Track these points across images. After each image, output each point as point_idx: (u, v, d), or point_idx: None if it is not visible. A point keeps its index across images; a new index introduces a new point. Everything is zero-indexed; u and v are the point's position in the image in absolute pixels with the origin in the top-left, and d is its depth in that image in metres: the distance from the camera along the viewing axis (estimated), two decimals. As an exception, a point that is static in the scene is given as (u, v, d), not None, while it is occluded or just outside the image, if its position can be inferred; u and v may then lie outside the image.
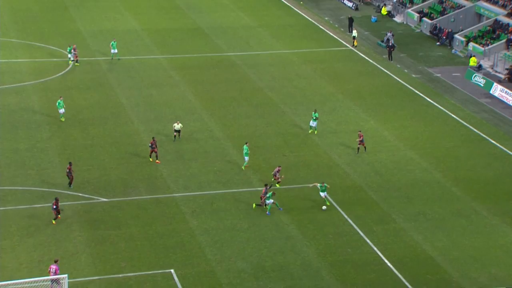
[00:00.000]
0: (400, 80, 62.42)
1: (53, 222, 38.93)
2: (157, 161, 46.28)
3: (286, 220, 40.54)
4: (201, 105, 55.87)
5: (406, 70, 64.81)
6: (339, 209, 41.64)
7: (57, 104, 51.57)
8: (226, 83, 60.37)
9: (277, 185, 43.38)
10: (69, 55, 62.24)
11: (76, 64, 62.11)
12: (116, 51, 63.31)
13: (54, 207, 38.73)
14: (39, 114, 52.93)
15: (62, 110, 51.35)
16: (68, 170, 42.59)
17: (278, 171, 43.73)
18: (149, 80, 60.32)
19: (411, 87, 60.97)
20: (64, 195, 42.00)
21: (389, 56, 67.49)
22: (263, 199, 40.94)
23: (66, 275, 30.93)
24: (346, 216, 41.01)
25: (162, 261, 36.57)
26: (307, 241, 38.58)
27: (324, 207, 41.18)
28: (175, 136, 49.07)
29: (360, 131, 49.19)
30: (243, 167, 45.81)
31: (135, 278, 35.16)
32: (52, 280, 31.42)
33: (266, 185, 41.57)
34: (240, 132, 51.50)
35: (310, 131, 51.38)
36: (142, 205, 41.71)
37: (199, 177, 45.09)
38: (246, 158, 45.82)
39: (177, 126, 49.18)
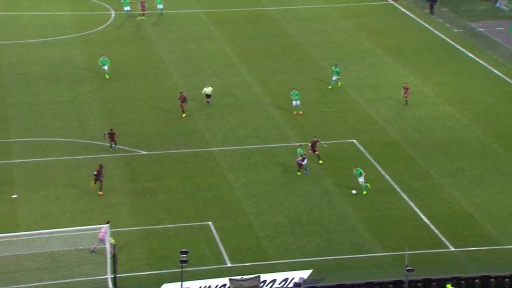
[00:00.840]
0: (441, 35, 61.40)
1: (99, 192, 37.89)
2: (183, 115, 46.45)
3: (323, 175, 40.79)
4: (240, 60, 55.96)
5: (447, 25, 63.66)
6: (376, 165, 41.68)
7: (99, 62, 51.95)
8: (265, 38, 60.22)
9: (320, 161, 41.34)
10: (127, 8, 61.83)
11: (142, 18, 61.90)
12: (162, 6, 63.31)
13: (95, 173, 37.94)
14: (81, 67, 53.67)
15: (106, 67, 51.71)
16: (108, 134, 41.78)
17: (315, 143, 41.30)
18: (188, 35, 60.51)
19: (452, 42, 59.98)
20: (105, 147, 42.89)
21: (430, 10, 66.28)
22: (301, 163, 40.47)
23: (108, 225, 31.84)
24: (383, 172, 41.06)
25: (200, 214, 37.29)
26: (343, 197, 38.84)
27: (353, 191, 38.78)
28: (208, 101, 47.92)
29: (406, 83, 48.93)
30: (300, 112, 46.59)
31: (173, 229, 36.02)
32: (100, 240, 32.45)
33: (304, 156, 40.46)
34: (278, 87, 51.55)
35: (330, 87, 51.12)
36: (181, 158, 42.37)
37: (236, 132, 45.49)
38: (296, 103, 46.62)
39: (208, 90, 48.05)
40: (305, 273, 31.92)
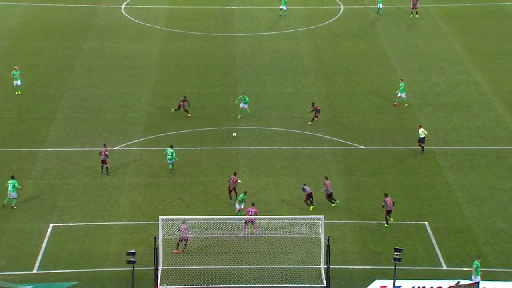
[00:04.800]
0: None
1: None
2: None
3: (554, 183, 38.05)
4: (469, 57, 53.83)
5: None
6: None
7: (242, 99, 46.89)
8: (499, 35, 57.41)
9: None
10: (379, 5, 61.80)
11: (412, 15, 60.98)
12: (381, 5, 62.66)
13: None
14: (307, 60, 55.03)
15: (244, 106, 45.64)
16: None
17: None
18: (416, 30, 59.42)
19: None
20: (324, 139, 43.68)
21: None
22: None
23: (323, 216, 32.46)
24: None
25: (415, 213, 36.63)
26: None
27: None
28: (422, 147, 41.19)
29: None
30: (405, 105, 45.36)
31: (388, 226, 35.75)
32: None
33: None
34: (509, 87, 48.89)
35: None
36: (399, 155, 41.87)
37: (460, 131, 43.92)
38: (401, 95, 45.76)
39: (420, 131, 41.43)
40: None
